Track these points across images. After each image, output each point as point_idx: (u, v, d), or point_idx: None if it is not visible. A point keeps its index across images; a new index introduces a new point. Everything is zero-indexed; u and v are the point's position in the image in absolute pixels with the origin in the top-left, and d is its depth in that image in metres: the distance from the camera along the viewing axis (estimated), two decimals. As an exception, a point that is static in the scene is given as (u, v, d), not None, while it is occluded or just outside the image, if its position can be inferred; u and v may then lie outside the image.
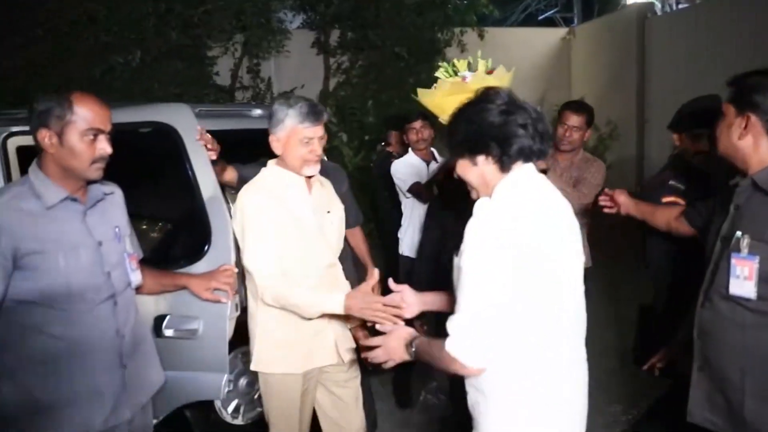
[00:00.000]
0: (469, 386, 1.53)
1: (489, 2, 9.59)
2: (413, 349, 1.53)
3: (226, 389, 2.46)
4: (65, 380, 1.65)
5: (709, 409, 1.70)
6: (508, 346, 1.40)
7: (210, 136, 2.39)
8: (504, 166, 1.44)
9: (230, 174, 2.55)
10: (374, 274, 2.01)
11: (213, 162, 2.43)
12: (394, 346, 1.57)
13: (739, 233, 1.60)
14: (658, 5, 9.89)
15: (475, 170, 1.47)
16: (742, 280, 1.57)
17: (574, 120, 3.02)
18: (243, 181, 2.23)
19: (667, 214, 2.29)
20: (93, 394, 1.69)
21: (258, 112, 3.26)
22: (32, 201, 1.60)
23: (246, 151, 2.67)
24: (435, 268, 2.68)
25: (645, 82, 8.95)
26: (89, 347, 1.67)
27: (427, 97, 2.33)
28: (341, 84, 8.77)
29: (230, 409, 2.98)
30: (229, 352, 2.87)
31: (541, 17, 14.19)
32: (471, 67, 2.30)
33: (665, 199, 2.55)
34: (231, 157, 2.72)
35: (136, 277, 1.83)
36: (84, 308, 1.65)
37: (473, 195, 1.53)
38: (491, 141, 1.42)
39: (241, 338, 2.83)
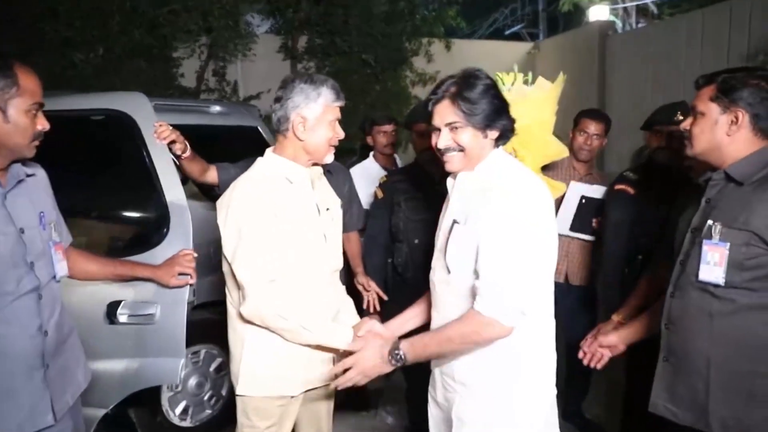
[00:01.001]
0: (446, 382, 1.63)
1: (457, 15, 9.75)
2: (400, 355, 1.53)
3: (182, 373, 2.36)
4: None
5: (671, 400, 1.71)
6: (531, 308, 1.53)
7: (171, 129, 2.30)
8: (498, 143, 1.61)
9: (212, 174, 2.43)
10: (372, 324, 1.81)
11: (184, 158, 2.33)
12: (369, 365, 1.57)
13: (710, 222, 1.63)
14: (619, 24, 10.19)
15: (480, 143, 1.58)
16: (712, 266, 1.61)
17: (594, 127, 3.00)
18: (225, 184, 2.03)
19: (644, 290, 2.15)
20: (10, 398, 1.53)
21: (216, 108, 3.27)
22: None
23: (203, 148, 2.65)
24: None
25: (605, 96, 9.19)
26: (7, 345, 1.51)
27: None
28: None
29: (178, 410, 2.92)
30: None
31: (507, 32, 14.44)
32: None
33: (617, 186, 2.74)
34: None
35: (62, 267, 1.67)
36: (2, 302, 1.49)
37: (454, 165, 1.61)
38: (504, 121, 1.59)
39: (190, 338, 2.81)
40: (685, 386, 1.68)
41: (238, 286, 1.75)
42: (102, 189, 2.59)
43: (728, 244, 1.58)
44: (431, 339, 1.55)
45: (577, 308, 3.02)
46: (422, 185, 2.65)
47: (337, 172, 2.68)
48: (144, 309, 2.24)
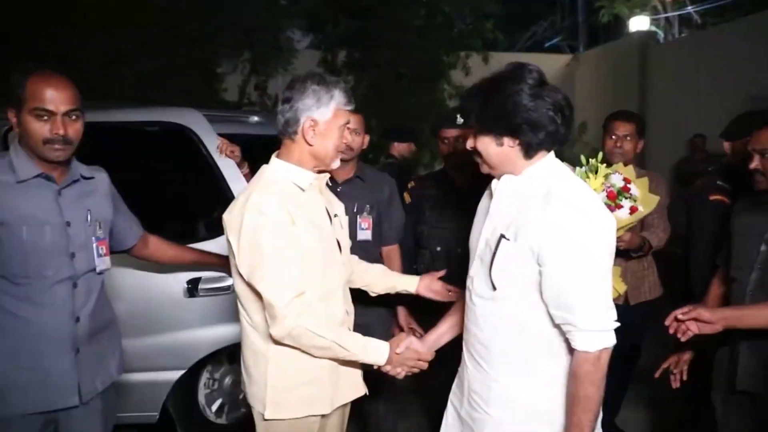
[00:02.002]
0: (474, 401, 1.56)
1: (494, 28, 9.78)
2: None
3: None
4: (10, 357, 1.64)
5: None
6: None
7: (225, 140, 2.56)
8: (529, 153, 1.41)
9: None
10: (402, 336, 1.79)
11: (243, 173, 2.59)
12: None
13: None
14: (661, 34, 10.04)
15: (498, 150, 1.43)
16: None
17: (624, 128, 2.71)
18: None
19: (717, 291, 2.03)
20: (38, 375, 1.66)
21: (255, 118, 3.41)
22: (7, 174, 1.63)
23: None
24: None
25: (646, 108, 9.05)
26: (41, 326, 1.65)
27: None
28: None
29: (214, 408, 3.01)
30: (216, 350, 2.96)
31: (547, 44, 14.39)
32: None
33: (712, 197, 2.62)
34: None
35: (102, 261, 1.78)
36: (41, 285, 1.63)
37: (483, 169, 1.50)
38: (523, 125, 1.38)
39: (227, 336, 2.92)
40: None
41: (261, 306, 1.63)
42: (180, 188, 2.90)
43: None
44: (581, 419, 1.39)
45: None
46: (448, 192, 2.63)
47: (372, 180, 2.59)
48: (221, 282, 2.61)
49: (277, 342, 1.64)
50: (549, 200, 1.36)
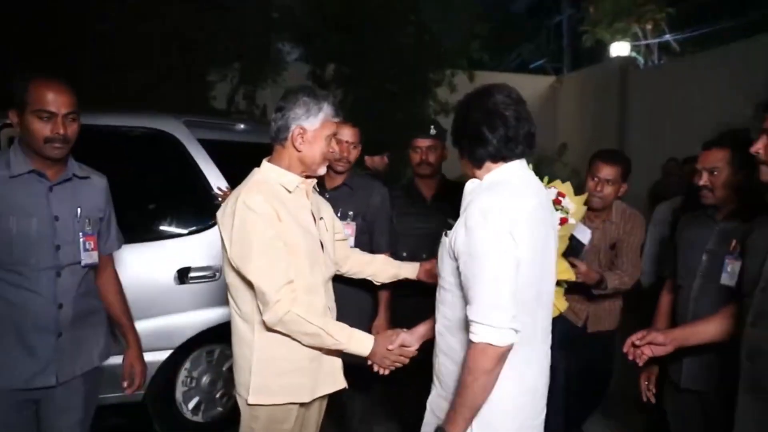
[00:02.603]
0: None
1: (480, 48, 10.03)
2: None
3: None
4: (2, 340, 1.78)
5: None
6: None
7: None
8: (475, 164, 1.53)
9: None
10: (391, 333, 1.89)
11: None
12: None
13: None
14: (641, 60, 10.35)
15: (462, 161, 1.58)
16: None
17: (606, 172, 2.57)
18: None
19: (720, 321, 1.89)
20: (21, 354, 1.80)
21: (241, 126, 3.54)
22: (2, 170, 1.77)
23: (229, 161, 3.03)
24: None
25: (624, 130, 9.31)
26: (26, 310, 1.79)
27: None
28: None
29: (191, 405, 3.10)
30: (194, 350, 3.06)
31: (532, 66, 14.71)
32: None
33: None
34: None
35: (88, 256, 1.91)
36: (25, 272, 1.78)
37: None
38: (463, 140, 1.53)
39: (205, 337, 3.02)
40: None
41: (251, 297, 1.75)
42: (164, 186, 3.11)
43: None
44: (456, 402, 1.45)
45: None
46: (414, 201, 2.79)
47: (360, 188, 2.65)
48: (207, 270, 2.95)
49: (267, 330, 1.75)
50: (469, 205, 1.47)
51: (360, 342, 1.81)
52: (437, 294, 1.63)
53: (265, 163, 1.87)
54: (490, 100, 1.49)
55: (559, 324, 2.59)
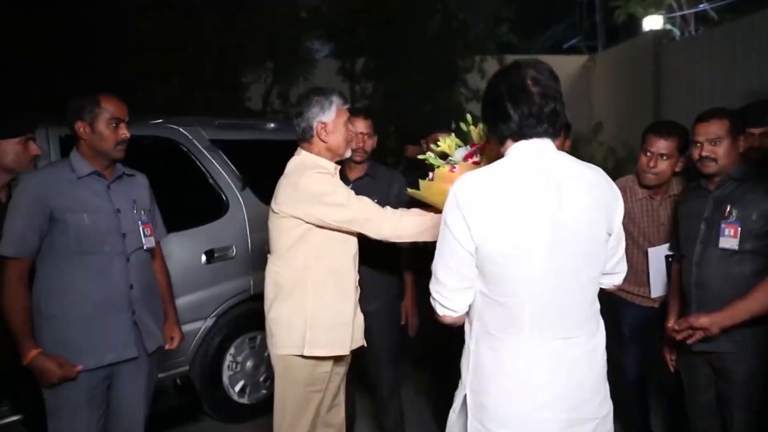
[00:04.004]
0: None
1: (509, 31, 9.98)
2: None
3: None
4: (81, 321, 2.02)
5: None
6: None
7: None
8: (500, 141, 1.51)
9: None
10: None
11: None
12: None
13: None
14: (677, 32, 10.08)
15: (493, 140, 1.60)
16: None
17: (660, 146, 2.40)
18: None
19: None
20: (102, 333, 2.06)
21: (270, 125, 3.76)
22: (69, 173, 2.06)
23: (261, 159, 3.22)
24: None
25: (660, 106, 9.12)
26: (103, 292, 2.06)
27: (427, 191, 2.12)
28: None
29: (237, 388, 3.33)
30: (237, 336, 3.29)
31: (566, 45, 14.49)
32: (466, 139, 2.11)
33: None
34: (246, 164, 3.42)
35: (148, 241, 2.20)
36: (101, 259, 2.06)
37: None
38: (488, 116, 1.52)
39: (248, 324, 3.24)
40: None
41: (317, 251, 2.07)
42: (181, 185, 3.33)
43: None
44: None
45: None
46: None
47: (382, 178, 2.81)
48: (227, 250, 3.26)
49: (310, 292, 2.09)
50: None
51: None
52: None
53: (303, 152, 2.16)
54: (518, 76, 1.45)
55: (630, 313, 2.60)
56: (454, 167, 2.00)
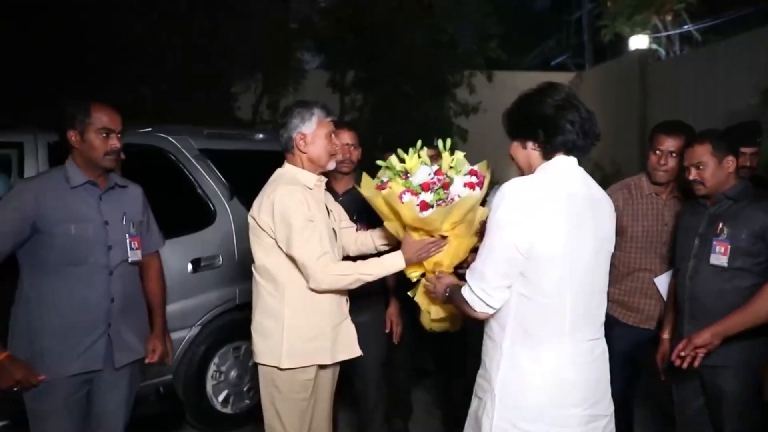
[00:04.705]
0: None
1: (498, 47, 10.10)
2: (447, 294, 1.81)
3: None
4: (58, 329, 2.02)
5: None
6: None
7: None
8: (546, 154, 1.59)
9: None
10: None
11: None
12: (441, 284, 1.89)
13: None
14: (663, 52, 10.26)
15: (524, 153, 1.64)
16: None
17: (668, 143, 2.49)
18: None
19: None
20: (78, 342, 2.04)
21: (260, 136, 3.77)
22: (63, 182, 2.05)
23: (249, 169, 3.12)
24: None
25: (646, 124, 9.26)
26: (84, 303, 2.05)
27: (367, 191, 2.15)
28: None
29: (220, 398, 3.30)
30: (222, 346, 3.28)
31: (554, 62, 14.69)
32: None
33: None
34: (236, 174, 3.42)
35: (134, 255, 2.18)
36: (86, 271, 2.05)
37: (517, 173, 1.70)
38: (540, 129, 1.57)
39: (233, 334, 3.23)
40: None
41: (287, 272, 2.06)
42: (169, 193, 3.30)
43: None
44: (453, 293, 1.74)
45: None
46: None
47: None
48: (213, 259, 3.27)
49: (294, 303, 2.08)
50: (505, 184, 1.57)
51: (392, 259, 2.09)
52: None
53: (286, 164, 2.19)
54: (563, 92, 1.59)
55: (620, 332, 2.54)
56: (384, 186, 2.05)
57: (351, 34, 8.80)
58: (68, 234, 2.01)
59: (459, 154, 2.05)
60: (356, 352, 2.23)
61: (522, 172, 1.66)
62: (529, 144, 1.61)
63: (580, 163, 1.64)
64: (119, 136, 2.10)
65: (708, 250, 2.14)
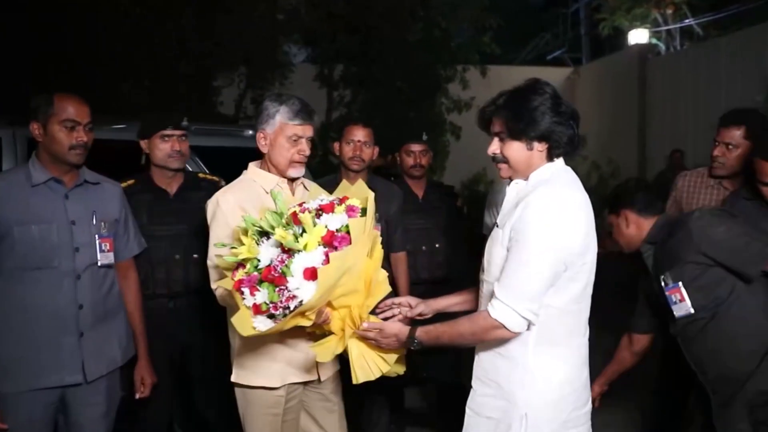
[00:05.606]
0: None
1: (493, 41, 9.77)
2: (416, 341, 1.64)
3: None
4: (21, 339, 1.88)
5: None
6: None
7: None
8: (552, 156, 1.57)
9: None
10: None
11: None
12: (391, 333, 1.66)
13: None
14: (663, 47, 9.97)
15: (527, 154, 1.56)
16: None
17: (724, 135, 2.38)
18: None
19: None
20: (45, 354, 1.90)
21: (249, 132, 3.66)
22: (24, 180, 1.91)
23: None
24: None
25: (645, 121, 8.98)
26: (48, 311, 1.90)
27: None
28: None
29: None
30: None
31: (549, 57, 14.36)
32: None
33: None
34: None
35: (104, 257, 2.01)
36: (49, 276, 1.90)
37: (503, 173, 1.64)
38: (553, 132, 1.53)
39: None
40: None
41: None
42: None
43: None
44: (444, 332, 1.62)
45: None
46: (410, 199, 2.99)
47: (382, 191, 2.59)
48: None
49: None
50: (534, 194, 1.52)
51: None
52: (481, 289, 1.69)
53: (250, 165, 2.02)
54: (552, 90, 1.56)
55: None
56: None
57: (343, 31, 8.44)
58: (29, 236, 1.88)
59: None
60: (312, 375, 2.00)
61: (514, 173, 1.60)
62: (537, 145, 1.55)
63: (565, 162, 1.62)
64: (88, 129, 1.95)
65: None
